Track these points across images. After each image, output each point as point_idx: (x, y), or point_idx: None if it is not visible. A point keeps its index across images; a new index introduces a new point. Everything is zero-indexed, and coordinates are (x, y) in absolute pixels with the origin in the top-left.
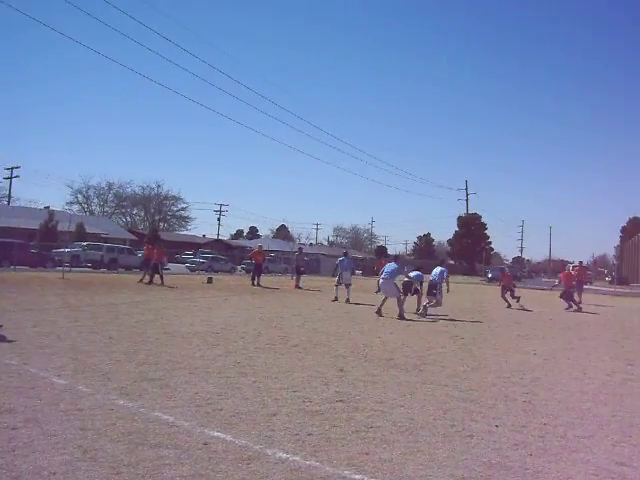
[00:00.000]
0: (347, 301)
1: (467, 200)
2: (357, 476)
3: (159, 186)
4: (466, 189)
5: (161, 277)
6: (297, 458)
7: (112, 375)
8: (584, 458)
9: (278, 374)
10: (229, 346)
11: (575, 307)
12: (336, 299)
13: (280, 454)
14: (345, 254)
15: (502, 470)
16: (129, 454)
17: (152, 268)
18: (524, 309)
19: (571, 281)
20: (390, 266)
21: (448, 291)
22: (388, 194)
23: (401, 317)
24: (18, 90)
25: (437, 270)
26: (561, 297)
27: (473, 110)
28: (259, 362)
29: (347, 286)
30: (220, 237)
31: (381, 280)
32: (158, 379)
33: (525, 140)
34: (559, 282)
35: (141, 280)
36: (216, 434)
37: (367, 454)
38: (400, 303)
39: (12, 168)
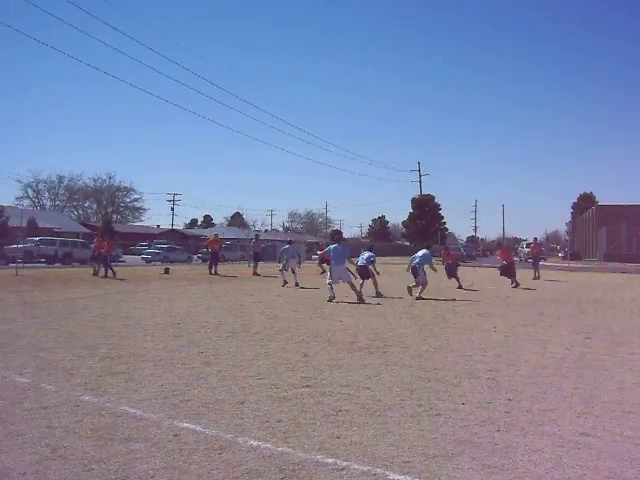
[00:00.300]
0: (297, 285)
1: (420, 181)
2: (330, 460)
3: (111, 178)
4: (419, 170)
5: (111, 270)
6: (269, 445)
7: (75, 371)
8: (550, 431)
9: (243, 362)
10: (191, 336)
11: (515, 283)
12: (285, 283)
13: (251, 442)
14: (289, 242)
15: (472, 447)
16: (99, 450)
17: (102, 260)
18: (472, 289)
19: (510, 256)
20: (337, 250)
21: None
22: (342, 178)
23: (360, 300)
24: None
25: (365, 255)
26: (502, 274)
27: (423, 94)
28: (223, 351)
29: (293, 271)
30: (175, 227)
31: (334, 266)
32: (122, 373)
33: (475, 121)
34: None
35: (95, 274)
36: (185, 425)
37: (338, 438)
38: (354, 287)
39: None
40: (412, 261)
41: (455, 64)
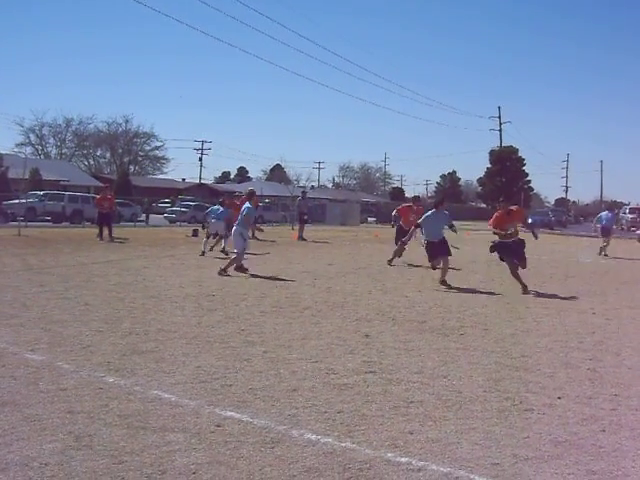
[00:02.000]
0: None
1: (500, 130)
2: (403, 459)
3: (127, 121)
4: (499, 117)
5: (109, 229)
6: (329, 440)
7: (95, 348)
8: None
9: (292, 342)
10: (229, 310)
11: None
12: (203, 254)
13: (309, 435)
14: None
15: (572, 449)
16: (130, 440)
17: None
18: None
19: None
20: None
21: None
22: (404, 125)
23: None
24: None
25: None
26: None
27: (508, 38)
28: (267, 328)
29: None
30: (203, 181)
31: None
32: (151, 351)
33: (566, 67)
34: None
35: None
36: (229, 414)
37: (411, 433)
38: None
39: None
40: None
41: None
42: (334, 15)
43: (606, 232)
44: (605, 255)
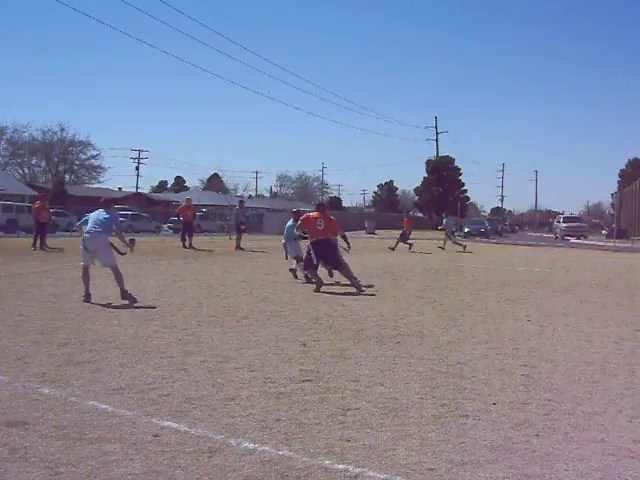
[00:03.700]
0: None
1: (437, 140)
2: (340, 466)
3: (63, 130)
4: (436, 127)
5: (41, 240)
6: (267, 448)
7: (30, 359)
8: (598, 437)
9: (229, 352)
10: (166, 320)
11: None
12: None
13: (246, 444)
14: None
15: (507, 453)
16: (66, 451)
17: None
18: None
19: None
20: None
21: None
22: (342, 135)
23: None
24: None
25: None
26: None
27: (443, 45)
28: (205, 338)
29: None
30: (140, 190)
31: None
32: (87, 362)
33: (502, 75)
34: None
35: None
36: (167, 424)
37: (348, 440)
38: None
39: None
40: None
41: (482, 9)
42: (269, 24)
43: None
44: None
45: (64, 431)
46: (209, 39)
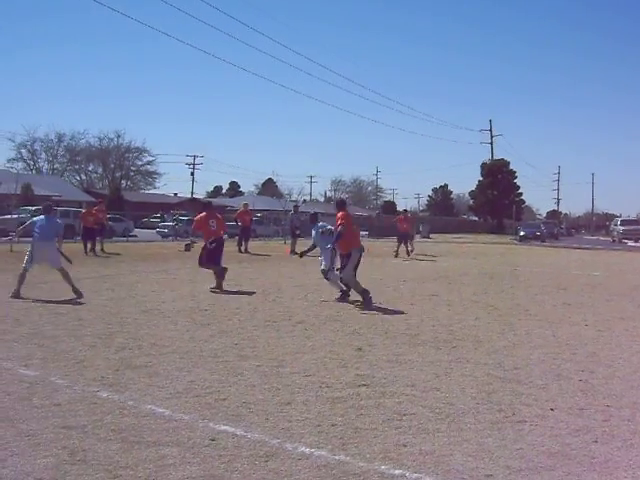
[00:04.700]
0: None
1: (492, 144)
2: (397, 471)
3: (119, 136)
4: (490, 130)
5: (92, 244)
6: (323, 452)
7: (89, 363)
8: None
9: (285, 356)
10: (222, 325)
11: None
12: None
13: (302, 449)
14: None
15: (565, 460)
16: (125, 454)
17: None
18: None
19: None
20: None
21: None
22: (396, 139)
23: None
24: None
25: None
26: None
27: (499, 48)
28: (261, 343)
29: None
30: (195, 195)
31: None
32: (144, 366)
33: (556, 77)
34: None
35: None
36: (223, 428)
37: (404, 446)
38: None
39: None
40: None
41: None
42: (322, 28)
43: None
44: None
45: (122, 434)
46: (263, 45)
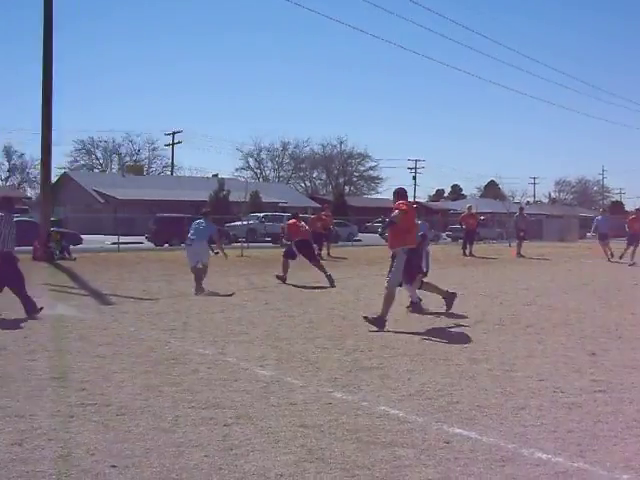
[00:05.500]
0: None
1: None
2: None
3: (342, 143)
4: None
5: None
6: (561, 459)
7: (321, 364)
8: None
9: (516, 360)
10: (451, 328)
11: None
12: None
13: (539, 454)
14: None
15: None
16: (361, 454)
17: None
18: None
19: None
20: None
21: None
22: (624, 136)
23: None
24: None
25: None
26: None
27: None
28: (491, 346)
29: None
30: (417, 199)
31: None
32: (375, 368)
33: None
34: None
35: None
36: (457, 431)
37: None
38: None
39: (173, 133)
40: None
41: None
42: (540, 26)
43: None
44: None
45: (357, 434)
46: (482, 46)
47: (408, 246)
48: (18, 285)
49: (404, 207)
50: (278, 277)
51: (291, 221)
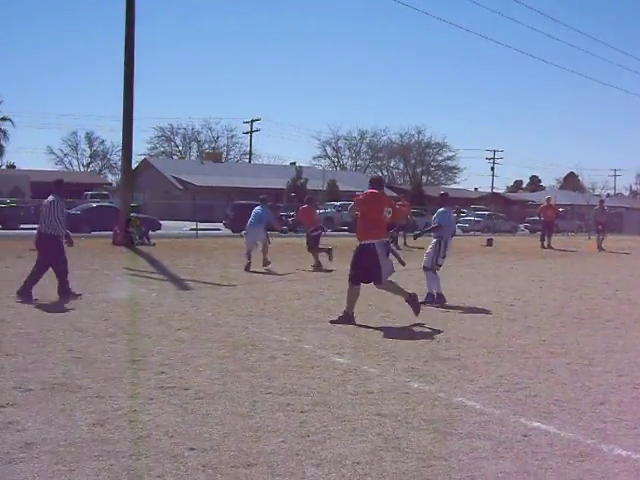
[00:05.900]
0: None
1: None
2: None
3: (420, 132)
4: None
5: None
6: None
7: (398, 354)
8: None
9: (596, 354)
10: (529, 321)
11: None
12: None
13: (618, 451)
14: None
15: None
16: (437, 445)
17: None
18: None
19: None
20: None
21: None
22: None
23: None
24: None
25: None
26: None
27: None
28: (569, 340)
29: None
30: (495, 190)
31: None
32: (453, 359)
33: None
34: None
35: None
36: (535, 424)
37: None
38: None
39: (252, 121)
40: None
41: None
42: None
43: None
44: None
45: (434, 425)
46: (564, 35)
47: (371, 240)
48: (60, 268)
49: (360, 197)
50: (315, 267)
51: (304, 207)
